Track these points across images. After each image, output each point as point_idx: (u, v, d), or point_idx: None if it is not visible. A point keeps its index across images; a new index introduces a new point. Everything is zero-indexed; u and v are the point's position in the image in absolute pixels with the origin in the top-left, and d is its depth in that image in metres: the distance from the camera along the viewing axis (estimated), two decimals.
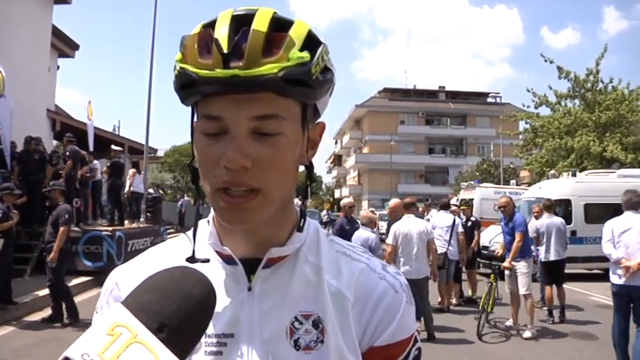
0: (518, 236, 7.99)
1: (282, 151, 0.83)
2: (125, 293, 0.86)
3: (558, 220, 9.63)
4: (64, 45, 20.74)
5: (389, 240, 7.83)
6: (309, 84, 0.81)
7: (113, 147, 14.25)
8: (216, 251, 0.93)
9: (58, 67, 21.43)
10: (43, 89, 17.62)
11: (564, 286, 9.32)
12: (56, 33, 19.36)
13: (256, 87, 0.78)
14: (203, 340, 0.86)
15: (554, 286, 9.08)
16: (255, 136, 0.81)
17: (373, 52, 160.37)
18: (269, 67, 0.77)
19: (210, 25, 0.83)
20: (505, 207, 8.26)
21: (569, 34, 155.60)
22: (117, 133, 30.80)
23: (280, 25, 0.81)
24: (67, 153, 12.25)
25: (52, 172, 12.23)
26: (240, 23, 0.80)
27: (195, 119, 0.87)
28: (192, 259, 0.89)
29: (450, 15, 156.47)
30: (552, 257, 9.17)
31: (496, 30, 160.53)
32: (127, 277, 0.94)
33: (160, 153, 46.31)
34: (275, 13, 0.83)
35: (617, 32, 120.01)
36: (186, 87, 0.81)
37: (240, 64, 0.77)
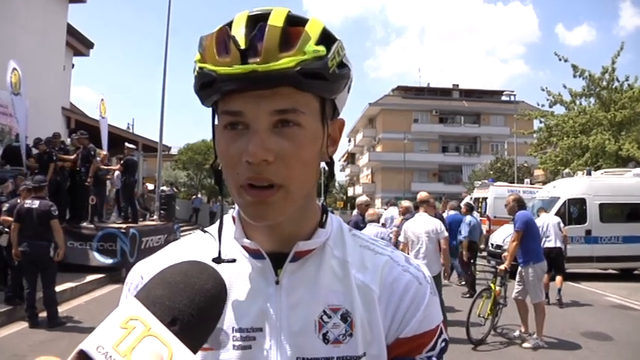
0: (513, 235, 7.64)
1: (302, 145, 0.83)
2: None
3: (553, 218, 11.19)
4: (79, 43, 20.92)
5: (401, 237, 7.80)
6: (326, 77, 0.82)
7: (127, 145, 14.33)
8: (243, 246, 0.94)
9: (73, 65, 21.61)
10: (58, 87, 17.78)
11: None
12: (71, 32, 19.54)
13: (274, 81, 0.79)
14: (231, 334, 0.87)
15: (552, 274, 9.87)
16: (276, 131, 0.82)
17: (386, 51, 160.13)
18: (286, 61, 0.78)
19: (227, 27, 0.84)
20: (506, 205, 7.97)
21: (584, 31, 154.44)
22: (131, 131, 30.97)
23: (295, 22, 0.82)
24: (92, 152, 12.34)
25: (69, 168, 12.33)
26: (256, 22, 0.81)
27: (215, 121, 0.88)
28: (218, 259, 0.90)
29: (464, 12, 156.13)
30: (552, 244, 10.26)
31: (510, 27, 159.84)
32: (152, 271, 0.93)
33: (174, 151, 46.54)
34: (290, 11, 0.84)
35: (635, 28, 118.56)
36: (206, 86, 0.82)
37: (258, 59, 0.78)
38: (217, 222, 0.97)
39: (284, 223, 0.88)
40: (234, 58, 0.79)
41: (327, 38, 0.84)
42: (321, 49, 0.81)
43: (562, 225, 11.02)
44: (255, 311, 0.88)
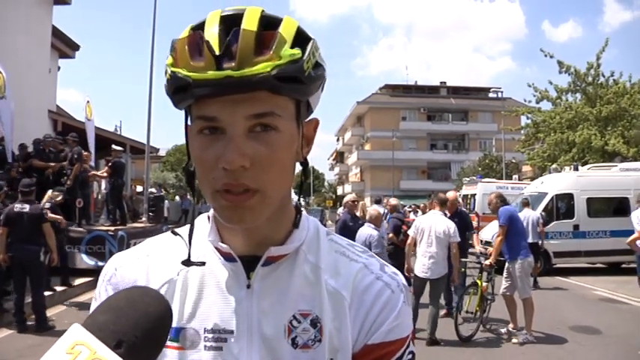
0: (498, 231, 7.67)
1: (279, 148, 0.82)
2: (122, 279, 0.92)
3: (534, 214, 11.94)
4: (64, 45, 20.72)
5: (410, 231, 7.72)
6: (302, 80, 0.81)
7: (114, 147, 14.25)
8: (216, 248, 0.93)
9: (59, 67, 21.42)
10: (44, 90, 17.60)
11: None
12: (56, 34, 19.35)
13: (250, 87, 0.77)
14: (202, 334, 0.88)
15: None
16: (252, 136, 0.81)
17: (373, 49, 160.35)
18: (262, 67, 0.77)
19: (200, 27, 0.82)
20: (489, 204, 8.03)
21: (570, 28, 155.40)
22: (119, 133, 30.78)
23: (269, 24, 0.81)
24: (75, 156, 12.25)
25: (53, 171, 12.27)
26: (230, 23, 0.80)
27: (188, 122, 0.88)
28: (187, 262, 0.90)
29: (451, 9, 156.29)
30: (530, 240, 10.21)
31: (497, 24, 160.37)
32: (125, 264, 0.96)
33: (162, 152, 46.35)
34: (263, 11, 0.82)
35: (620, 24, 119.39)
36: (180, 91, 0.81)
37: (233, 64, 0.77)
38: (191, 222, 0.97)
39: (258, 226, 0.87)
40: (209, 63, 0.77)
41: (301, 38, 0.83)
42: (297, 52, 0.80)
43: (541, 221, 11.72)
44: (226, 314, 0.88)
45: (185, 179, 0.93)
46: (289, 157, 0.86)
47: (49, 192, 9.89)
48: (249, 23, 0.79)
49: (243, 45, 0.77)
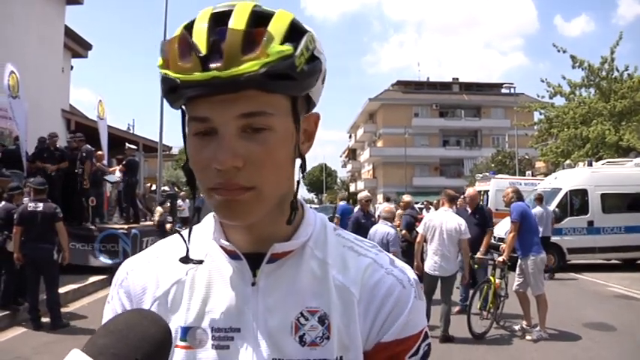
0: (510, 227, 7.61)
1: (273, 147, 0.81)
2: (133, 283, 0.94)
3: (548, 209, 12.79)
4: (77, 45, 20.85)
5: (419, 228, 7.68)
6: (293, 77, 0.79)
7: (127, 145, 14.31)
8: (221, 246, 0.93)
9: (72, 67, 21.55)
10: (57, 90, 17.73)
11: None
12: (69, 33, 19.47)
13: (238, 86, 0.76)
14: (210, 333, 0.88)
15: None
16: (245, 135, 0.80)
17: (385, 46, 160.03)
18: (249, 65, 0.75)
19: (192, 26, 0.81)
20: (504, 197, 7.98)
21: (582, 22, 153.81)
22: (131, 131, 30.93)
23: (261, 19, 0.79)
24: (84, 154, 12.30)
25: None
26: (219, 21, 0.79)
27: (185, 122, 0.86)
28: (185, 259, 0.90)
29: (462, 4, 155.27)
30: (545, 234, 11.23)
31: (509, 19, 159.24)
32: (136, 268, 0.97)
33: (175, 150, 46.46)
34: (255, 6, 0.80)
35: (634, 17, 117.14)
36: (171, 92, 0.80)
37: (219, 64, 0.75)
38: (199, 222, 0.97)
39: (261, 224, 0.87)
40: (195, 64, 0.76)
41: (295, 32, 0.80)
42: (286, 48, 0.77)
43: (553, 216, 12.59)
44: (233, 312, 0.88)
45: (185, 179, 0.93)
46: (285, 155, 0.85)
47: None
48: (237, 22, 0.77)
49: (230, 44, 0.76)
